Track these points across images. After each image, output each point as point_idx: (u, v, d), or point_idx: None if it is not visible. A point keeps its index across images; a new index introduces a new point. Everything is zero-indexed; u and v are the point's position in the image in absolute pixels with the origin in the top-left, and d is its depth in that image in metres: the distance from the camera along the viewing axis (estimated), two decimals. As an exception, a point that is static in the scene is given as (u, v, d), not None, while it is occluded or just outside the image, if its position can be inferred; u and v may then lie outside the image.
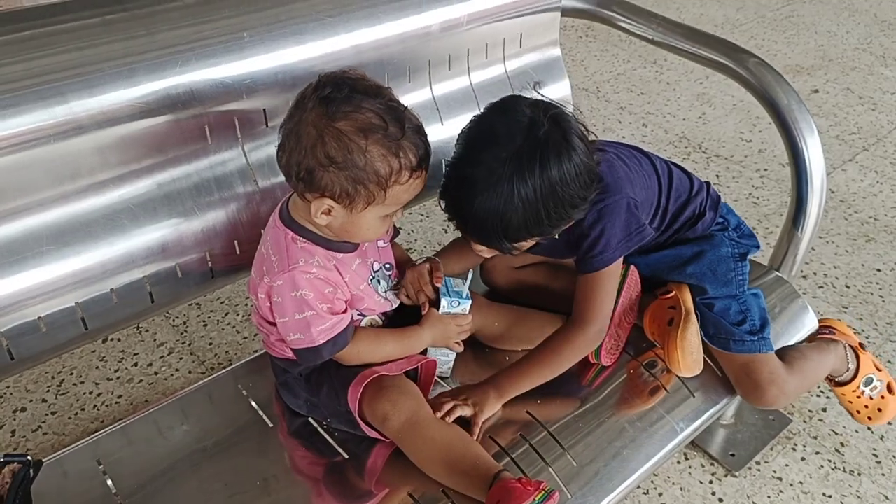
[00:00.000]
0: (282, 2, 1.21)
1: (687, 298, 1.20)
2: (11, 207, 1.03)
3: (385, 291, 1.12)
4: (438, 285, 1.11)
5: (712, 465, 1.62)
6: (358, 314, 1.09)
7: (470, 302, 1.13)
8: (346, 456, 1.06)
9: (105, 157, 1.09)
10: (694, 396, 1.19)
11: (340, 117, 0.91)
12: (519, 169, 0.95)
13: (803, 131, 1.37)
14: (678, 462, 1.62)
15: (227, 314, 1.94)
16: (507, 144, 0.95)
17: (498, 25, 1.47)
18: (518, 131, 0.96)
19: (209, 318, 1.92)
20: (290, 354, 1.09)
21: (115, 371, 1.77)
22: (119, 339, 1.85)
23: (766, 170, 2.54)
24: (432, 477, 1.00)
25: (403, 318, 1.14)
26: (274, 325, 1.06)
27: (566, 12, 1.57)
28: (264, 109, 1.18)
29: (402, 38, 1.33)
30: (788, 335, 1.33)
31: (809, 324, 1.37)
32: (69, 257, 1.07)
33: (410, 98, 1.35)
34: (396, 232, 1.19)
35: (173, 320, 1.91)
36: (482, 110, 1.04)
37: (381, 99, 0.93)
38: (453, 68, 1.42)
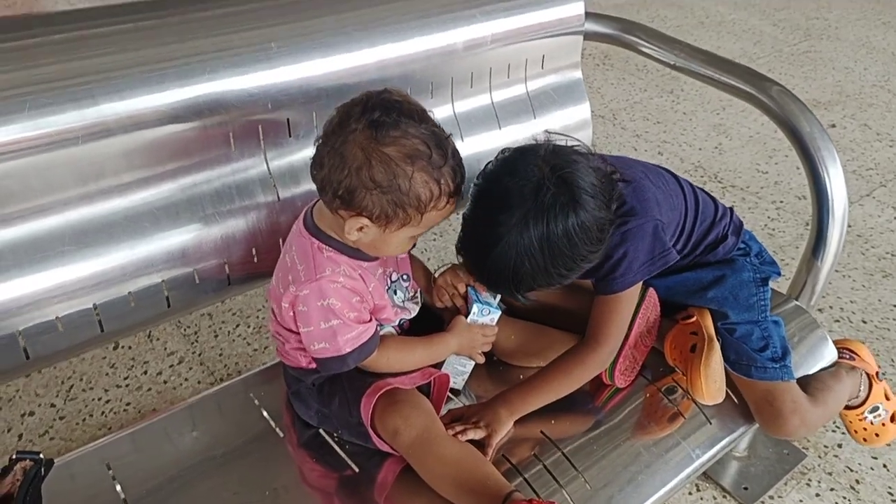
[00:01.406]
0: (310, 15, 1.22)
1: (709, 324, 1.19)
2: (36, 206, 1.04)
3: (403, 301, 1.12)
4: (470, 286, 1.13)
5: (725, 497, 1.59)
6: (378, 325, 1.08)
7: (500, 313, 1.13)
8: (357, 469, 1.05)
9: (130, 161, 1.10)
10: (711, 423, 1.17)
11: (389, 142, 0.92)
12: (526, 231, 0.98)
13: (825, 160, 1.37)
14: (690, 493, 1.59)
15: (238, 325, 1.93)
16: (515, 208, 0.98)
17: (521, 46, 1.48)
18: (525, 195, 0.98)
19: (220, 328, 1.92)
20: (304, 363, 1.09)
21: (125, 378, 1.77)
22: (130, 347, 1.85)
23: (782, 201, 2.54)
24: (442, 495, 0.99)
25: (415, 332, 1.14)
26: (294, 332, 1.06)
27: (589, 36, 1.59)
28: (288, 120, 1.19)
29: (427, 55, 1.34)
30: (807, 366, 1.31)
31: (829, 355, 1.35)
32: (89, 258, 1.08)
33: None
34: (414, 244, 1.19)
35: (184, 329, 1.91)
36: (494, 163, 1.05)
37: (426, 125, 0.95)
38: (475, 86, 1.42)
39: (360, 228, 0.97)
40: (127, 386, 1.75)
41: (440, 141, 0.95)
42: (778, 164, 2.74)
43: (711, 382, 1.12)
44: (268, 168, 1.20)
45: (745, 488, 1.60)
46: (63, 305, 1.07)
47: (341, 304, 0.99)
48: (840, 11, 4.23)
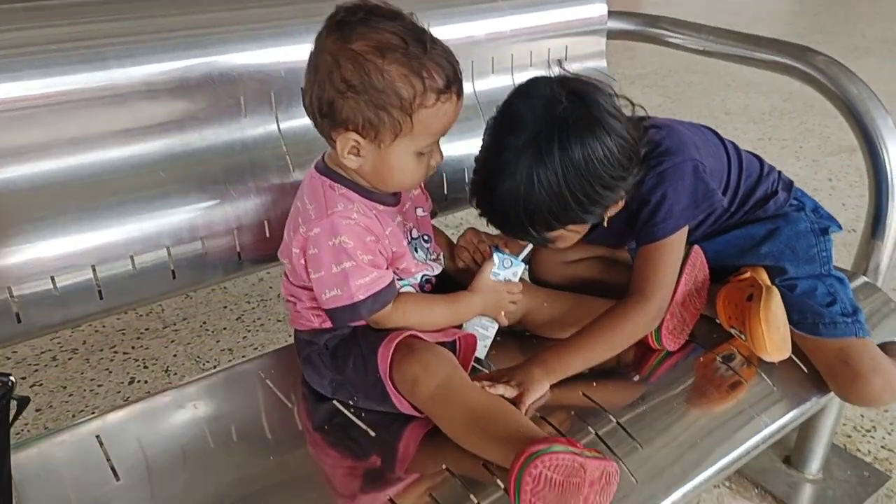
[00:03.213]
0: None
1: (765, 277, 1.06)
2: (38, 162, 0.99)
3: (425, 260, 1.03)
4: (493, 246, 1.04)
5: (801, 523, 1.39)
6: (397, 277, 0.99)
7: (523, 266, 1.03)
8: (373, 433, 0.93)
9: (139, 127, 1.06)
10: (777, 391, 1.03)
11: (356, 38, 0.85)
12: (537, 152, 0.89)
13: (881, 131, 1.27)
14: (760, 519, 1.40)
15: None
16: (525, 128, 0.90)
17: (543, 42, 1.46)
18: (536, 113, 0.90)
19: (241, 362, 1.83)
20: (317, 323, 0.99)
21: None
22: (146, 381, 1.76)
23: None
24: (468, 448, 0.86)
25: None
26: (307, 288, 0.98)
27: (612, 34, 1.56)
28: (302, 89, 1.16)
29: (447, 43, 1.32)
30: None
31: (906, 332, 1.20)
32: (92, 222, 1.02)
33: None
34: (434, 212, 1.12)
35: (203, 364, 1.82)
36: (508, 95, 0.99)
37: (400, 21, 0.88)
38: (497, 71, 1.39)
39: (354, 149, 0.89)
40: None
41: (418, 34, 0.86)
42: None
43: (774, 330, 0.98)
44: (281, 139, 1.15)
45: (824, 513, 1.41)
46: (61, 271, 1.00)
47: (354, 243, 0.90)
48: (869, 70, 4.22)
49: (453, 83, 0.88)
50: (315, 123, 0.93)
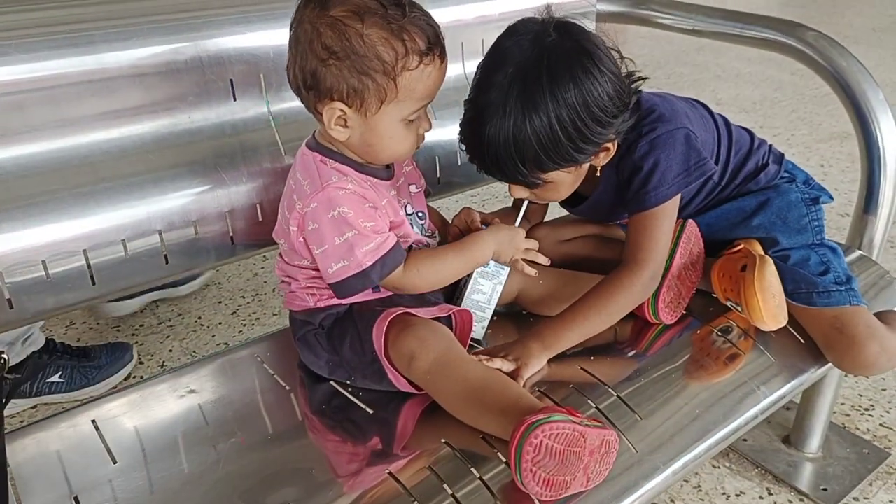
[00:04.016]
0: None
1: (758, 248, 1.06)
2: (27, 144, 0.98)
3: (420, 237, 1.02)
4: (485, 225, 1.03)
5: (801, 500, 1.40)
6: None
7: (507, 270, 1.03)
8: (372, 412, 0.92)
9: (128, 110, 1.05)
10: (775, 362, 1.03)
11: (333, 5, 0.85)
12: (524, 85, 0.87)
13: (872, 105, 1.26)
14: (761, 497, 1.40)
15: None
16: (513, 62, 0.88)
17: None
18: (523, 47, 0.88)
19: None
20: (312, 303, 0.98)
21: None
22: (142, 377, 1.74)
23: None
24: (466, 422, 0.86)
25: None
26: (303, 267, 0.97)
27: (601, 17, 1.55)
28: (287, 66, 1.15)
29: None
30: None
31: (901, 304, 1.21)
32: (82, 206, 1.01)
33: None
34: (428, 191, 1.11)
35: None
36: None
37: None
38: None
39: (341, 119, 0.89)
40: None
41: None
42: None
43: (769, 298, 0.97)
44: (272, 121, 1.15)
45: (825, 489, 1.41)
46: (53, 256, 0.99)
47: (354, 211, 0.89)
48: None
49: (435, 45, 0.88)
50: (301, 99, 0.93)
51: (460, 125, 0.96)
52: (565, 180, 0.98)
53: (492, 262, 1.02)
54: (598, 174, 1.02)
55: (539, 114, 0.87)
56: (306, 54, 0.86)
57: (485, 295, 1.02)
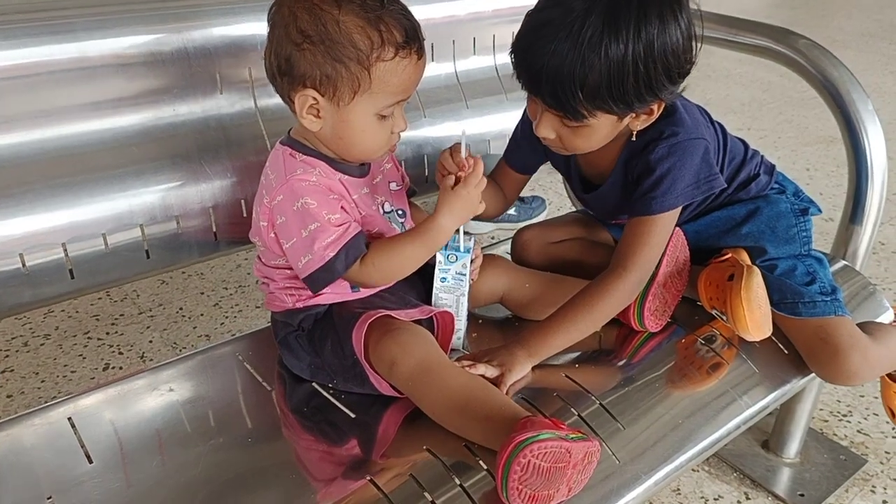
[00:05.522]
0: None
1: (745, 258, 1.06)
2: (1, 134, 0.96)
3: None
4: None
5: (779, 505, 1.41)
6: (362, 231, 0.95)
7: (470, 256, 0.99)
8: (354, 415, 0.91)
9: (109, 100, 1.04)
10: (758, 373, 1.03)
11: None
12: (611, 8, 0.83)
13: (861, 115, 1.27)
14: (739, 502, 1.41)
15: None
16: None
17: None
18: None
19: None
20: (290, 304, 0.97)
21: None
22: (121, 368, 1.72)
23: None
24: (449, 428, 0.85)
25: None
26: (279, 268, 0.96)
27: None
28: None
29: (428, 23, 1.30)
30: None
31: (884, 315, 1.21)
32: (61, 198, 0.99)
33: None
34: (413, 190, 1.10)
35: (179, 350, 1.79)
36: None
37: None
38: (478, 52, 1.37)
39: (313, 109, 0.88)
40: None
41: None
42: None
43: (755, 308, 0.97)
44: (258, 115, 1.13)
45: (801, 495, 1.43)
46: (31, 249, 0.97)
47: (317, 203, 0.88)
48: (847, 63, 4.25)
49: (413, 40, 0.87)
50: (275, 87, 0.92)
51: (520, 35, 0.91)
52: (600, 130, 0.94)
53: (449, 275, 0.99)
54: (614, 162, 1.01)
55: (618, 41, 0.83)
56: (282, 39, 0.86)
57: (451, 308, 1.00)
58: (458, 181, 0.93)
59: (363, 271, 0.91)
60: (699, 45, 0.91)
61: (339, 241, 0.88)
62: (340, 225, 0.89)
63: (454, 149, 0.96)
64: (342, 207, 0.91)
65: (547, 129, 0.95)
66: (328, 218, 0.88)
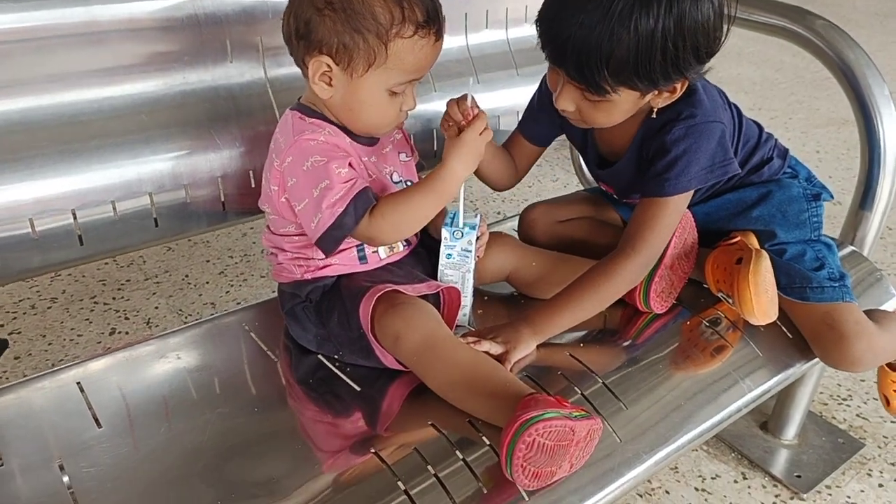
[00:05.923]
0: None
1: (754, 242, 1.05)
2: (13, 97, 0.96)
3: None
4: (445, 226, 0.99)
5: (775, 486, 1.42)
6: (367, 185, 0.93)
7: (475, 233, 0.99)
8: (359, 388, 0.92)
9: (119, 67, 1.03)
10: (762, 356, 1.03)
11: None
12: None
13: (876, 98, 1.25)
14: (736, 482, 1.42)
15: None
16: None
17: None
18: None
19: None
20: (299, 275, 0.97)
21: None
22: (127, 332, 1.74)
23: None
24: (453, 403, 0.86)
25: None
26: (288, 235, 0.96)
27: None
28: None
29: None
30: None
31: (890, 302, 1.21)
32: (75, 165, 0.99)
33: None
34: (420, 164, 1.09)
35: (185, 318, 1.80)
36: None
37: None
38: (491, 25, 1.36)
39: (326, 76, 0.88)
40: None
41: None
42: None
43: (762, 293, 0.97)
44: (268, 85, 1.12)
45: (798, 476, 1.44)
46: (40, 214, 0.98)
47: (326, 158, 0.88)
48: (860, 43, 4.20)
49: (433, 21, 0.87)
50: (291, 50, 0.92)
51: (547, 2, 0.89)
52: (621, 105, 0.92)
53: (455, 252, 0.99)
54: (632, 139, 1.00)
55: (649, 16, 0.81)
56: (304, 2, 0.86)
57: (456, 284, 1.00)
58: (461, 132, 0.93)
59: (373, 224, 0.89)
60: (729, 25, 0.89)
61: (347, 197, 0.87)
62: (347, 181, 0.88)
63: (460, 98, 0.95)
64: (350, 164, 0.90)
65: (567, 102, 0.93)
66: (338, 172, 0.87)
